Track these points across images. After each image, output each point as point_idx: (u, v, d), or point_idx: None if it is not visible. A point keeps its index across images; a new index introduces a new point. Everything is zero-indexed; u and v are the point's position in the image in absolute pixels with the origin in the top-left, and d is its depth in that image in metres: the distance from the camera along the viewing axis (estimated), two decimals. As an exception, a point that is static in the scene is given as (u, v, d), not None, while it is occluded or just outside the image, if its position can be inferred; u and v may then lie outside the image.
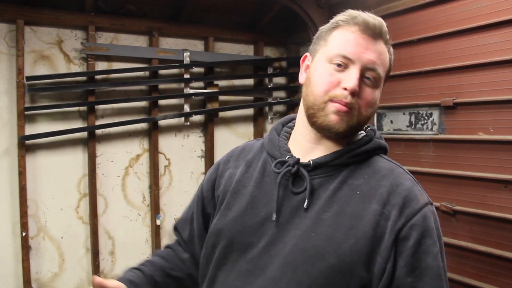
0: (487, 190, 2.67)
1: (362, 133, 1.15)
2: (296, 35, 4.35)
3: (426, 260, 0.96)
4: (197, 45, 3.93)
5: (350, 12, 1.08)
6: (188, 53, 3.74)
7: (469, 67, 2.75)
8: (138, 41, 3.68)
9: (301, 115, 1.15)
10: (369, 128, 1.17)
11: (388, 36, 1.07)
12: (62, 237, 3.38)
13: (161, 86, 3.72)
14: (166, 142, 3.82)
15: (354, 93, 1.01)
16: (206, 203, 1.24)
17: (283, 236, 1.03)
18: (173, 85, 3.79)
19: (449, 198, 2.88)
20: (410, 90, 3.16)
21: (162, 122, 3.76)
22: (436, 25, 2.94)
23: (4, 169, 3.16)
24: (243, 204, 1.11)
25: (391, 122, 3.32)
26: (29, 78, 3.15)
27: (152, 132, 3.68)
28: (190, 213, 1.30)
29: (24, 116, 3.14)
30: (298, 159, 1.08)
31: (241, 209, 1.11)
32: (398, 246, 0.96)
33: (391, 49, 1.10)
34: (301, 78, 1.15)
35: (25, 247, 3.16)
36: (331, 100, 1.03)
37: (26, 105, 3.16)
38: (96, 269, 3.44)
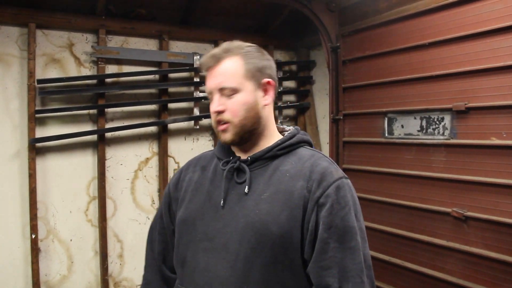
0: (500, 196, 2.63)
1: (289, 131, 1.48)
2: (306, 39, 4.34)
3: (335, 221, 1.28)
4: (207, 49, 3.93)
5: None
6: (198, 57, 3.74)
7: (481, 71, 2.72)
8: (148, 45, 3.69)
9: None
10: (293, 128, 1.51)
11: (230, 51, 1.41)
12: (71, 240, 3.39)
13: (171, 89, 3.73)
14: (175, 146, 3.82)
15: (219, 112, 1.36)
16: (172, 201, 1.56)
17: (234, 217, 1.34)
18: (183, 89, 3.80)
19: (460, 204, 2.84)
20: (421, 94, 3.12)
21: (171, 126, 3.76)
22: (448, 29, 2.91)
23: (14, 171, 3.18)
24: (202, 198, 1.43)
25: (402, 126, 3.29)
26: (40, 81, 3.17)
27: (162, 136, 3.69)
28: (160, 212, 1.63)
29: (35, 119, 3.16)
30: (239, 157, 1.42)
31: (201, 202, 1.43)
32: (318, 211, 1.29)
33: (247, 53, 1.46)
34: None
35: (35, 249, 3.17)
36: (216, 123, 1.39)
37: (37, 108, 3.18)
38: (104, 272, 3.45)
